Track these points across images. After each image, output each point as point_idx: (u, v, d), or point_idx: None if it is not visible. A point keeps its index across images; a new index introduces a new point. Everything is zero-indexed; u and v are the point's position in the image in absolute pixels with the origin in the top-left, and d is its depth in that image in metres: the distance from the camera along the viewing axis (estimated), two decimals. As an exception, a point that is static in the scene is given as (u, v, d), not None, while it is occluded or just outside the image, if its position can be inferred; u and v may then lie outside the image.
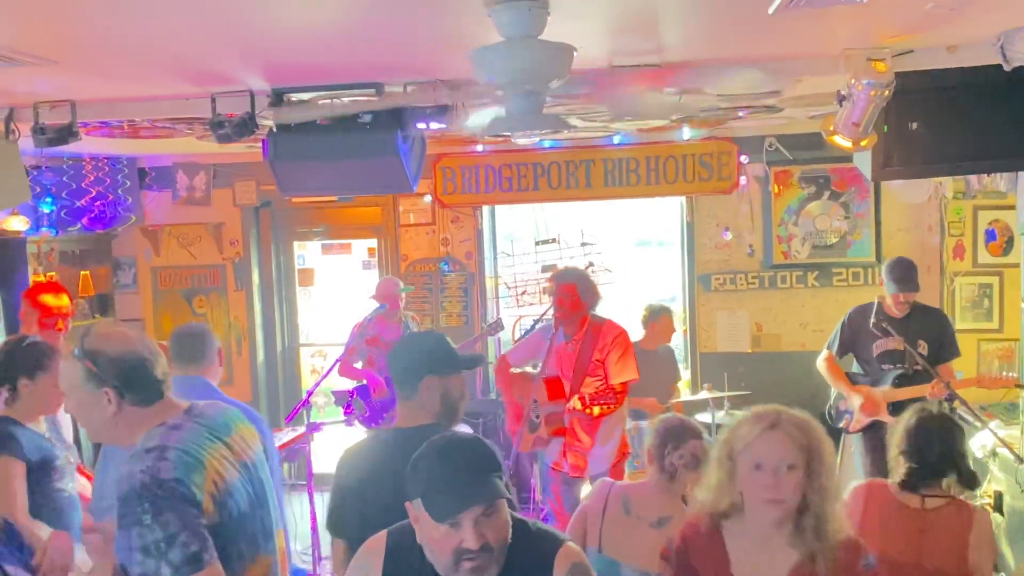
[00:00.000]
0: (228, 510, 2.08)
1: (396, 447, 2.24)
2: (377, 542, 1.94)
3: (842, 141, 3.43)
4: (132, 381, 2.10)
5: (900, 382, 4.55)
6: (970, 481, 2.73)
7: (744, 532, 2.10)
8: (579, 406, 4.23)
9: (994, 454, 4.76)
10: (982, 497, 4.88)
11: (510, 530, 1.78)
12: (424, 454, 1.78)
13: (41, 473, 3.12)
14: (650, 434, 2.98)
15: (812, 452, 2.01)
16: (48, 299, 4.40)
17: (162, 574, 1.93)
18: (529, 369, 4.64)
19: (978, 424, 4.69)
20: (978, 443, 4.88)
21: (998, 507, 4.78)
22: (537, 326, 5.17)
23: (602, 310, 4.49)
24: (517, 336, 6.36)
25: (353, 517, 2.34)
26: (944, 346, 4.60)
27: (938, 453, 2.70)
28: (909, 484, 2.72)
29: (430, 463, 1.75)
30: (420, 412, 2.44)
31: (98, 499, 2.48)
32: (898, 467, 2.78)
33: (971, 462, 2.79)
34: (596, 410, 4.23)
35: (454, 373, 2.49)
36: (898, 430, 2.82)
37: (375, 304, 5.41)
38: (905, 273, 4.57)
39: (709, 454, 2.90)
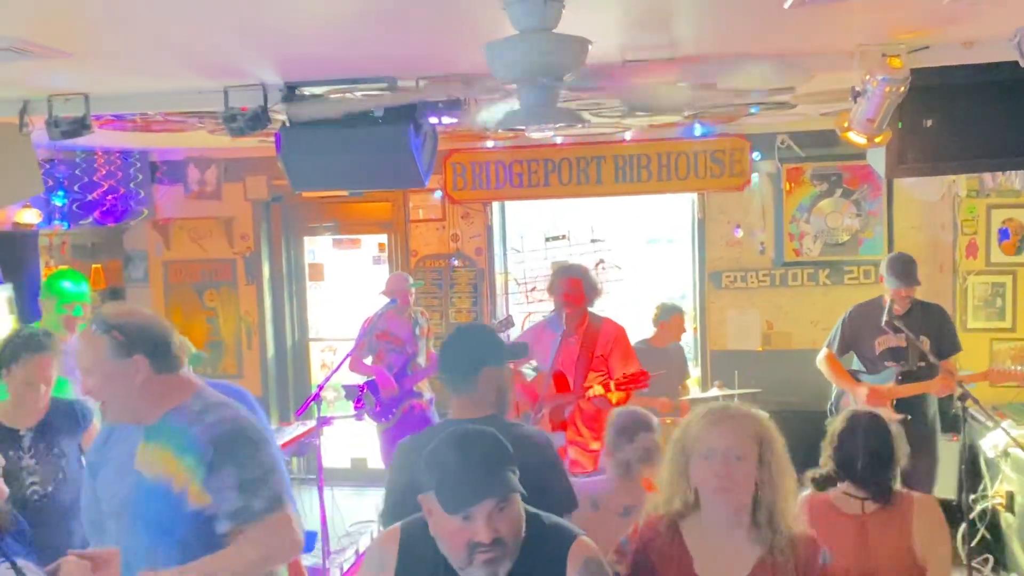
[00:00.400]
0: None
1: None
2: (391, 534, 1.94)
3: (856, 137, 3.41)
4: (159, 347, 2.21)
5: (904, 379, 4.53)
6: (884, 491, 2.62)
7: (703, 531, 2.08)
8: (601, 391, 4.22)
9: (1006, 454, 4.74)
10: (994, 497, 4.86)
11: (523, 524, 1.78)
12: (438, 447, 1.78)
13: None
14: (608, 428, 3.02)
15: (763, 443, 2.04)
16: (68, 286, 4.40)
17: (258, 507, 2.13)
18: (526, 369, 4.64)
19: (990, 424, 4.67)
20: (990, 443, 4.86)
21: (1009, 507, 4.75)
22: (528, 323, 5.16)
23: (613, 307, 4.50)
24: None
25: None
26: (945, 342, 4.57)
27: (867, 457, 2.60)
28: (820, 483, 2.67)
29: (444, 456, 1.75)
30: (480, 404, 2.48)
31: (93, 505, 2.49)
32: (825, 467, 2.70)
33: (902, 462, 2.65)
34: (614, 397, 4.23)
35: (506, 363, 2.58)
36: (828, 432, 2.74)
37: (385, 300, 5.42)
38: (905, 268, 4.54)
39: (661, 446, 2.93)
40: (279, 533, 2.18)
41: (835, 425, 2.72)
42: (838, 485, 2.66)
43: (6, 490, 2.38)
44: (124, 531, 2.23)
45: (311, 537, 4.74)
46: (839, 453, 2.65)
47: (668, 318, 5.65)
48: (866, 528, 2.58)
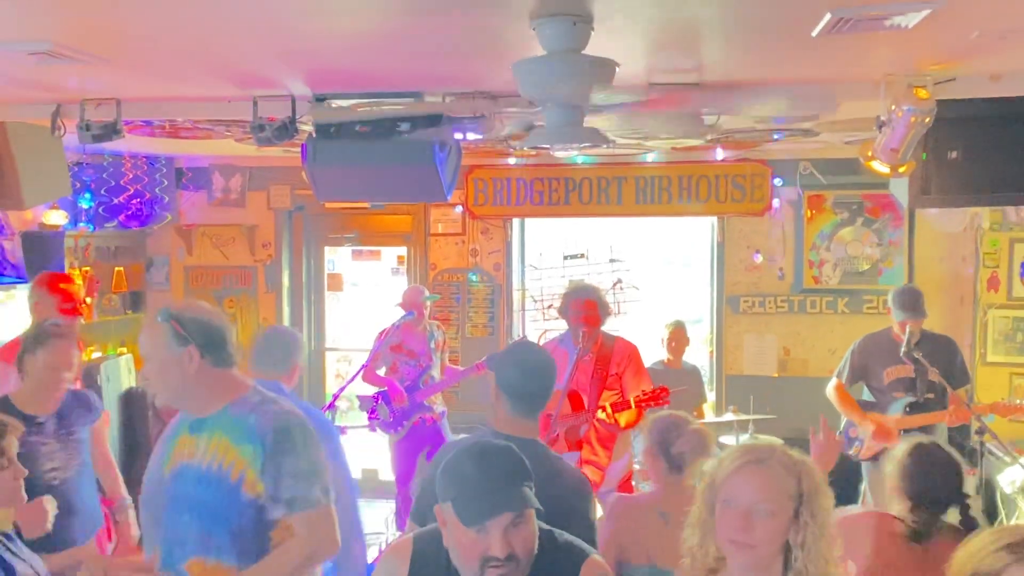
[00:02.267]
0: None
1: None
2: (403, 545, 1.95)
3: (880, 167, 3.41)
4: (213, 342, 2.32)
5: (912, 409, 4.50)
6: (971, 524, 2.56)
7: None
8: (604, 416, 4.21)
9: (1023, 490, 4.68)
10: (1010, 534, 4.80)
11: (537, 541, 1.78)
12: (457, 459, 1.78)
13: None
14: (647, 434, 2.91)
15: (803, 500, 1.71)
16: (66, 286, 4.45)
17: (314, 496, 2.25)
18: None
19: (1008, 459, 4.62)
20: (1008, 478, 4.81)
21: (1026, 544, 4.69)
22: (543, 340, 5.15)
23: (630, 328, 4.51)
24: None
25: None
26: (954, 374, 4.55)
27: (941, 492, 2.55)
28: (917, 533, 2.54)
29: (463, 468, 1.76)
30: (536, 427, 2.51)
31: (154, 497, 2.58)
32: (901, 508, 2.61)
33: (975, 502, 2.64)
34: (623, 419, 4.23)
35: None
36: (894, 466, 2.66)
37: (401, 312, 5.44)
38: (913, 301, 4.54)
39: (711, 436, 2.85)
40: (325, 526, 2.28)
41: (900, 461, 2.64)
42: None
43: (25, 471, 2.42)
44: (178, 520, 2.30)
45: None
46: (914, 487, 2.57)
47: (672, 330, 5.67)
48: (929, 563, 2.46)
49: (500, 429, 2.44)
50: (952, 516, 2.60)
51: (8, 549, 2.31)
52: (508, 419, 2.47)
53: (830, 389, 4.79)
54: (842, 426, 4.83)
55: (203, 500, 2.25)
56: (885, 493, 2.73)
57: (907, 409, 4.52)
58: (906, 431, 4.47)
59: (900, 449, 2.69)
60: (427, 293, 5.67)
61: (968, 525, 2.56)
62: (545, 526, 1.85)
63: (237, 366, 2.40)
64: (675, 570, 2.18)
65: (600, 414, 4.22)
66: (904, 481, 2.61)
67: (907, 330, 4.53)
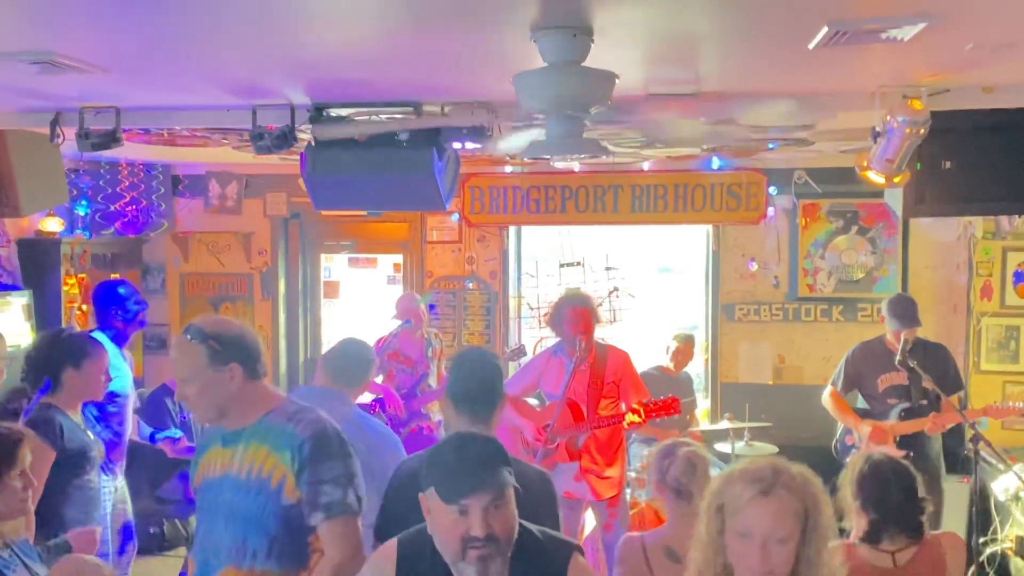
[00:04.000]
0: None
1: None
2: (388, 548, 2.00)
3: (875, 177, 3.44)
4: (252, 356, 2.34)
5: (906, 415, 4.54)
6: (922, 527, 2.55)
7: None
8: (637, 419, 4.23)
9: (1017, 497, 4.71)
10: (1004, 541, 4.83)
11: (516, 525, 1.86)
12: (440, 446, 1.93)
13: (76, 463, 3.19)
14: (650, 466, 2.96)
15: (809, 515, 1.80)
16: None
17: (349, 501, 2.27)
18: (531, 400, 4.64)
19: (1002, 466, 4.65)
20: (1001, 486, 4.84)
21: (1020, 552, 4.73)
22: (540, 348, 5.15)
23: (625, 335, 4.53)
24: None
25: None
26: (947, 381, 4.59)
27: (896, 502, 2.54)
28: (871, 538, 2.54)
29: (446, 452, 1.89)
30: (495, 427, 2.57)
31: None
32: (858, 520, 2.60)
33: (929, 506, 2.59)
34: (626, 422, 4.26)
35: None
36: (848, 479, 2.65)
37: (398, 322, 5.46)
38: (907, 310, 4.59)
39: (705, 458, 2.85)
40: (355, 535, 2.31)
41: (854, 473, 2.63)
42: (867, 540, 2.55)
43: (35, 482, 2.51)
44: (212, 531, 2.34)
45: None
46: (871, 497, 2.55)
47: (682, 344, 5.73)
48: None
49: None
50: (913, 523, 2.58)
51: (20, 559, 2.32)
52: (456, 422, 2.57)
53: (826, 397, 4.83)
54: (839, 434, 4.87)
55: (242, 508, 2.28)
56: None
57: (901, 415, 4.57)
58: (901, 437, 4.51)
59: (853, 467, 2.67)
60: (419, 297, 5.71)
61: (924, 528, 2.56)
62: (525, 524, 1.92)
63: (266, 374, 2.44)
64: None
65: (632, 417, 4.23)
66: (859, 493, 2.60)
67: (901, 338, 4.56)
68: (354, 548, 2.29)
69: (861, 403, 4.83)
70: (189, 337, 2.30)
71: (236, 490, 2.29)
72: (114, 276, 6.43)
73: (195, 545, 2.43)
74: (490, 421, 2.55)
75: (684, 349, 5.77)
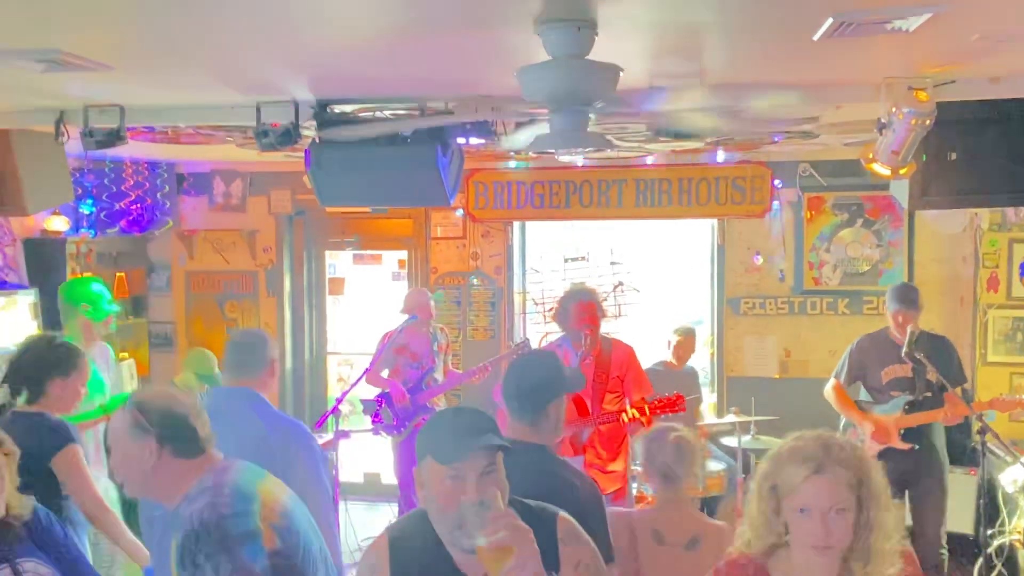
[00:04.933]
0: (291, 535, 2.16)
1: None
2: (379, 540, 2.02)
3: (881, 169, 3.43)
4: (173, 431, 2.18)
5: (910, 408, 4.53)
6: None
7: (791, 571, 1.95)
8: (636, 415, 4.22)
9: (1025, 489, 4.70)
10: (1012, 533, 4.82)
11: (508, 490, 1.89)
12: (431, 420, 2.01)
13: None
14: (639, 452, 3.01)
15: (862, 485, 1.85)
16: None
17: None
18: None
19: (1009, 458, 4.64)
20: (1009, 478, 4.83)
21: (1028, 544, 4.71)
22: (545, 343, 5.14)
23: (631, 329, 4.53)
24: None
25: None
26: (951, 373, 4.58)
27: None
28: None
29: (440, 423, 1.97)
30: (549, 432, 2.54)
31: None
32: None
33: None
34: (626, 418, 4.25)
35: (567, 393, 2.66)
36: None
37: (404, 317, 5.46)
38: (908, 294, 4.61)
39: (695, 444, 2.92)
40: None
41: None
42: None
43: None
44: None
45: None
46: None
47: (683, 337, 5.74)
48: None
49: (507, 435, 2.48)
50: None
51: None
52: (510, 425, 2.54)
53: (828, 390, 4.82)
54: (840, 427, 4.86)
55: None
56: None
57: (905, 408, 4.55)
58: (906, 430, 4.50)
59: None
60: (431, 293, 5.73)
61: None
62: (513, 496, 1.95)
63: (207, 452, 2.24)
64: None
65: (631, 411, 4.22)
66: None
67: (908, 330, 4.55)
68: None
69: (863, 395, 4.82)
70: (126, 405, 2.22)
71: None
72: (119, 275, 6.46)
73: None
74: (539, 424, 2.51)
75: (685, 343, 5.78)
